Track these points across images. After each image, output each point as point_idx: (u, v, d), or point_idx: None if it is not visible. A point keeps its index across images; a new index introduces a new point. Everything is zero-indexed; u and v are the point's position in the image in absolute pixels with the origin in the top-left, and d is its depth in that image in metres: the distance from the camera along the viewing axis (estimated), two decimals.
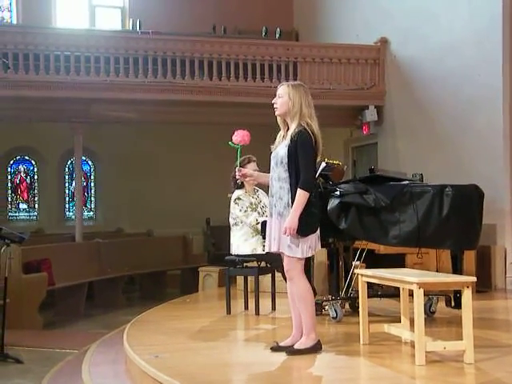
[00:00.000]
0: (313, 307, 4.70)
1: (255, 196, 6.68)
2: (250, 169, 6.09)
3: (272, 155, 4.75)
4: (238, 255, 6.57)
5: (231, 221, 6.60)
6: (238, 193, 6.62)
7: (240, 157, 5.19)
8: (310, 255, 4.67)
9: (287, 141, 4.63)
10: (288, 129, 4.69)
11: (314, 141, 4.58)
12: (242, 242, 6.51)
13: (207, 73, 10.98)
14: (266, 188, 5.09)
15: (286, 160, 4.61)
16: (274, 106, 4.74)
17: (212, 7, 14.04)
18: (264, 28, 14.05)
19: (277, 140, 4.76)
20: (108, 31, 12.93)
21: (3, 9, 14.03)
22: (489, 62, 9.09)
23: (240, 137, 5.07)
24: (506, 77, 8.88)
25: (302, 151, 4.55)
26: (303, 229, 4.54)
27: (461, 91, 9.63)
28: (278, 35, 13.93)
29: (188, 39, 11.28)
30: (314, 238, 4.64)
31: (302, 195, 4.53)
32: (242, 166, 6.23)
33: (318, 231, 4.68)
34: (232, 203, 6.61)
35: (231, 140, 5.10)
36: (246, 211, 6.51)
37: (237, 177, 5.13)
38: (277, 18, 14.18)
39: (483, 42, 9.20)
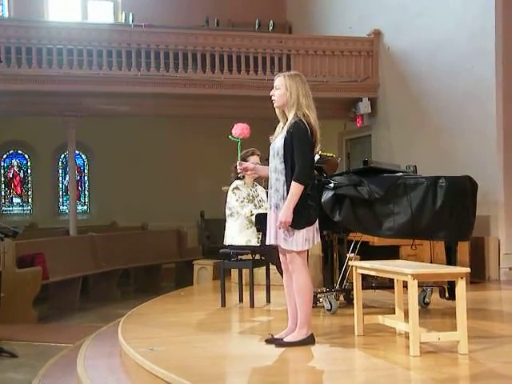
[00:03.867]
0: (310, 303, 4.68)
1: (253, 189, 6.67)
2: (252, 162, 6.08)
3: (270, 147, 4.73)
4: (232, 246, 6.57)
5: (227, 211, 6.59)
6: (236, 183, 6.61)
7: (240, 150, 5.16)
8: (306, 248, 4.60)
9: (284, 132, 4.60)
10: (287, 120, 4.65)
11: (310, 132, 4.54)
12: (236, 233, 6.50)
13: (200, 66, 10.97)
14: (267, 181, 5.06)
15: (281, 152, 4.59)
16: (272, 98, 4.70)
17: (205, 0, 14.00)
18: (257, 20, 14.02)
19: (276, 131, 4.73)
20: (101, 24, 12.88)
21: None
22: (482, 54, 9.10)
23: (239, 130, 5.04)
24: (500, 68, 8.89)
25: (297, 143, 4.52)
26: (297, 221, 4.51)
27: (454, 83, 9.64)
28: (271, 28, 13.92)
29: (181, 32, 11.25)
30: (312, 231, 4.59)
31: (295, 187, 4.50)
32: (245, 158, 6.23)
33: (317, 224, 4.64)
34: (229, 192, 6.59)
35: (231, 133, 5.07)
36: (242, 202, 6.51)
37: (238, 170, 5.10)
38: (270, 10, 14.16)
39: (476, 33, 9.21)
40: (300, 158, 4.52)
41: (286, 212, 4.50)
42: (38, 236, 11.02)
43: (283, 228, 4.53)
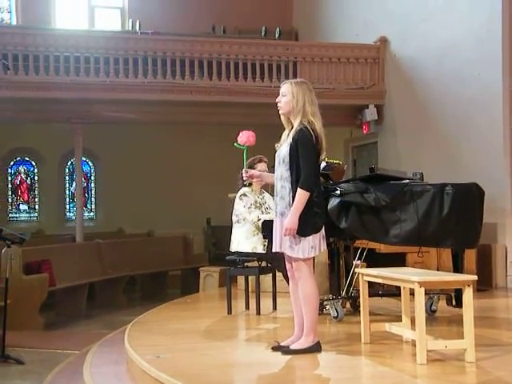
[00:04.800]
0: (316, 310, 4.68)
1: (261, 196, 6.68)
2: (260, 169, 6.10)
3: (276, 154, 4.73)
4: (237, 252, 6.56)
5: (234, 218, 6.59)
6: (244, 189, 6.62)
7: (247, 158, 5.16)
8: (312, 255, 4.59)
9: (289, 139, 4.60)
10: (292, 127, 4.65)
11: (315, 139, 4.53)
12: (243, 240, 6.50)
13: (207, 73, 10.99)
14: (272, 188, 5.07)
15: (287, 159, 4.59)
16: (278, 104, 4.71)
17: (211, 7, 14.05)
18: (263, 28, 14.06)
19: (282, 138, 4.73)
20: (107, 32, 12.94)
21: (3, 10, 14.04)
22: (489, 60, 9.09)
23: (245, 137, 5.05)
24: (506, 75, 8.88)
25: (303, 150, 4.52)
26: (303, 228, 4.50)
27: (461, 89, 9.63)
28: (277, 35, 13.94)
29: (187, 39, 11.29)
30: (318, 238, 4.58)
31: (301, 195, 4.50)
32: (252, 165, 6.26)
33: (323, 231, 4.63)
34: (237, 199, 6.60)
35: (236, 141, 5.07)
36: (249, 208, 6.51)
37: (244, 178, 5.11)
38: (276, 17, 14.20)
39: (483, 40, 9.20)
40: (305, 165, 4.52)
41: (291, 219, 4.49)
42: (45, 243, 11.03)
43: (289, 235, 4.52)
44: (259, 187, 6.66)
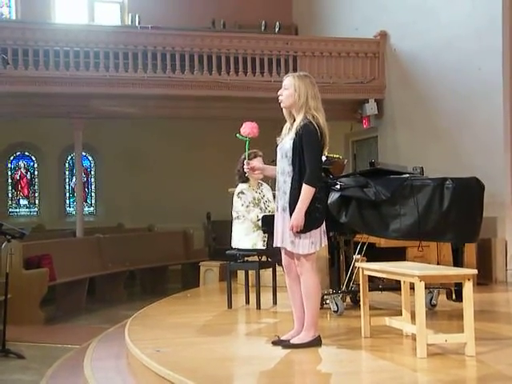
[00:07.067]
0: (317, 305, 4.67)
1: (259, 190, 6.65)
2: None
3: (278, 148, 4.68)
4: (238, 249, 6.57)
5: (234, 214, 6.58)
6: (241, 187, 6.58)
7: (249, 149, 5.14)
8: (313, 251, 4.55)
9: (292, 133, 4.56)
10: (294, 121, 4.60)
11: (319, 134, 4.50)
12: (243, 236, 6.50)
13: (207, 67, 10.98)
14: (273, 181, 5.05)
15: (290, 153, 4.54)
16: (280, 97, 4.66)
17: (211, 2, 14.02)
18: (263, 22, 14.03)
19: (283, 132, 4.68)
20: (107, 26, 12.91)
21: (2, 4, 14.01)
22: (489, 56, 9.08)
23: (248, 129, 5.01)
24: (506, 70, 8.87)
25: (308, 145, 4.47)
26: (304, 224, 4.47)
27: (461, 85, 9.62)
28: (277, 29, 13.92)
29: (187, 34, 11.28)
30: (318, 234, 4.55)
31: (307, 190, 4.45)
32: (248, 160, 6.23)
33: (324, 226, 4.61)
34: (235, 197, 6.58)
35: (239, 132, 5.05)
36: (247, 206, 6.48)
37: (245, 170, 5.08)
38: (276, 12, 14.16)
39: (483, 35, 9.19)
40: (310, 160, 4.47)
41: (297, 215, 4.45)
42: (45, 237, 11.04)
43: (295, 231, 4.48)
44: (256, 182, 6.64)
